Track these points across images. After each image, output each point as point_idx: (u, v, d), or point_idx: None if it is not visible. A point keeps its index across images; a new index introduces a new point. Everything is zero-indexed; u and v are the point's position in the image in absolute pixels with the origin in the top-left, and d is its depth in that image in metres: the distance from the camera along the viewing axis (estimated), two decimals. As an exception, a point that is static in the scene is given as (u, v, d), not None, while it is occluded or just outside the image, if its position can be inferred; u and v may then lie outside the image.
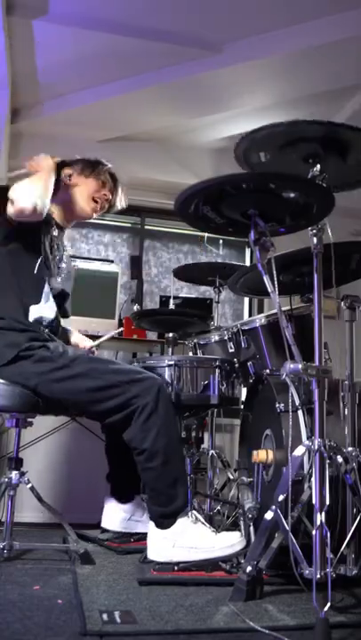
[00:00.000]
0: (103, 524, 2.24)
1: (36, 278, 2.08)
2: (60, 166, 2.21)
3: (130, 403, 1.90)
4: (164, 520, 1.86)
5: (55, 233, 2.21)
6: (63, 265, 2.26)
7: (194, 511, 1.91)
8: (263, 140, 1.69)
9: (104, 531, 2.28)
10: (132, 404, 1.89)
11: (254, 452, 1.94)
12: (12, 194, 1.95)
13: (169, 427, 1.91)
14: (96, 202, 2.27)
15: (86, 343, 2.44)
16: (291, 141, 1.68)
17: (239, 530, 2.00)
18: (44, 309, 2.10)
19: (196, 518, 1.88)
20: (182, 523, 1.85)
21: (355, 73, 3.29)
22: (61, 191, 2.22)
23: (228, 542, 1.83)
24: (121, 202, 2.34)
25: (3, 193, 2.03)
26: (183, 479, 1.93)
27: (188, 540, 1.82)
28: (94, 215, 2.31)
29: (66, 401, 1.97)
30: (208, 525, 1.91)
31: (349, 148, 1.68)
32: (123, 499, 2.23)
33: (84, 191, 2.25)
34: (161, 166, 4.18)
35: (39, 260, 2.09)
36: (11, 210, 1.96)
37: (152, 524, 1.88)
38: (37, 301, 2.07)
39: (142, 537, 2.14)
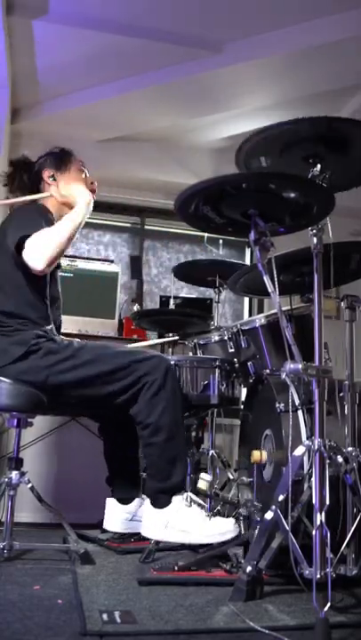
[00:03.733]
0: (105, 526, 2.23)
1: (43, 298, 2.08)
2: (33, 167, 2.22)
3: (139, 381, 1.93)
4: (161, 496, 1.88)
5: None
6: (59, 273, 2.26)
7: (190, 493, 1.91)
8: (263, 143, 1.69)
9: (104, 531, 2.28)
10: (141, 382, 1.93)
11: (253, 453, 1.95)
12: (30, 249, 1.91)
13: (175, 404, 1.94)
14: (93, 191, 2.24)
15: None
16: (291, 142, 1.68)
17: (235, 517, 2.00)
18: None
19: (192, 501, 1.88)
20: (177, 503, 1.86)
21: (355, 73, 3.30)
22: (49, 190, 2.20)
23: (221, 529, 1.84)
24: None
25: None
26: (183, 458, 1.95)
27: (180, 523, 1.84)
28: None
29: (75, 390, 1.97)
30: (203, 510, 1.91)
31: (350, 142, 1.67)
32: (124, 500, 2.21)
33: (72, 185, 2.20)
34: (161, 166, 4.18)
35: (47, 288, 2.09)
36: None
37: (148, 502, 1.90)
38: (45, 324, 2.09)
39: (142, 537, 2.14)
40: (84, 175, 2.26)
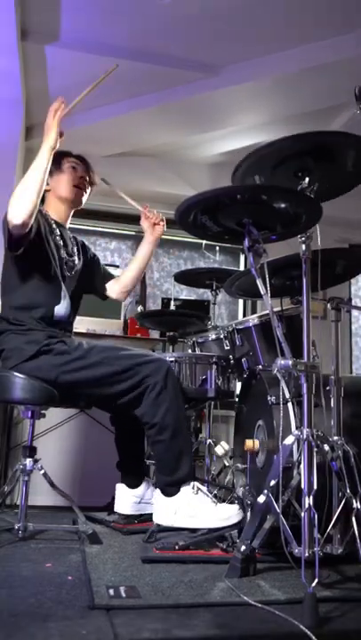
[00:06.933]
0: (116, 509, 2.22)
1: (49, 283, 2.10)
2: None
3: (142, 382, 1.92)
4: (169, 488, 1.87)
5: (58, 232, 2.20)
6: (75, 260, 2.26)
7: (196, 482, 1.90)
8: (255, 164, 1.69)
9: (111, 513, 2.28)
10: (144, 383, 1.92)
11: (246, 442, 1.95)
12: (9, 207, 1.90)
13: (177, 403, 1.93)
14: (79, 187, 2.26)
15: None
16: (280, 159, 1.67)
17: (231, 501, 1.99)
18: (60, 309, 2.12)
19: (199, 489, 1.88)
20: (185, 492, 1.86)
21: (341, 92, 3.30)
22: (47, 197, 2.23)
23: (226, 514, 1.83)
24: (94, 175, 2.33)
25: None
26: (188, 451, 1.94)
27: (189, 509, 1.83)
28: (84, 198, 2.30)
29: (84, 388, 1.98)
30: (210, 496, 1.90)
31: (335, 153, 1.66)
32: (132, 484, 2.22)
33: (63, 186, 2.23)
34: (163, 179, 4.18)
35: (52, 265, 2.10)
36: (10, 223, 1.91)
37: (158, 490, 1.90)
38: (54, 303, 2.09)
39: (145, 518, 2.14)
40: (76, 170, 2.26)
